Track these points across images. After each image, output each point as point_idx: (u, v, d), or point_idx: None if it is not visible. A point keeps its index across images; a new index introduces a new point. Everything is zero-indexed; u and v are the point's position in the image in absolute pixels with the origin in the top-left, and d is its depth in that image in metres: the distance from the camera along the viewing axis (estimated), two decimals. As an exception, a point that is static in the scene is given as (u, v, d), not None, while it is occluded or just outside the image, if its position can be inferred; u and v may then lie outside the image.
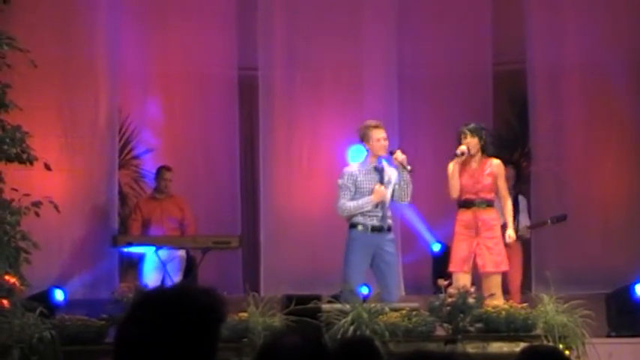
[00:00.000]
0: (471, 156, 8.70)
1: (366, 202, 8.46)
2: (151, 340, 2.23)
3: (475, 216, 8.63)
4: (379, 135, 8.51)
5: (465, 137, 8.70)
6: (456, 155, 8.65)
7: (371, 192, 8.47)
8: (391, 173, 8.58)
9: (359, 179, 8.52)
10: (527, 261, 10.59)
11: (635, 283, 10.29)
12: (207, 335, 2.25)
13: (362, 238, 8.44)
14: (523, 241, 10.40)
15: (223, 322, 2.30)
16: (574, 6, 11.05)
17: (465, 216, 8.67)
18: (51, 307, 8.64)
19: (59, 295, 9.54)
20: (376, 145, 8.50)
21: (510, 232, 8.78)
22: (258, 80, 11.21)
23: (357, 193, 8.51)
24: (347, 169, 8.63)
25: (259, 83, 11.20)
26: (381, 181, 8.52)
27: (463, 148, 8.67)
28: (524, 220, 10.49)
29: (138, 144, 11.12)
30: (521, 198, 10.62)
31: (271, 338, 2.58)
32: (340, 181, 8.57)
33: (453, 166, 8.67)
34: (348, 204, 8.49)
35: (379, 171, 8.55)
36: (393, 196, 8.60)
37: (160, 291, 2.39)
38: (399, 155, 8.53)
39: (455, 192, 8.66)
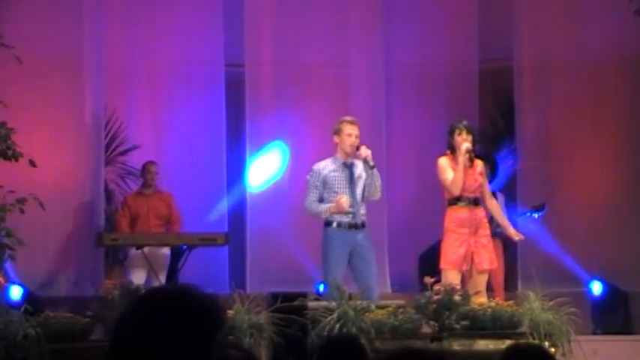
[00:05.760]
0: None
1: (324, 209, 8.39)
2: (148, 341, 2.18)
3: (472, 214, 8.53)
4: (350, 130, 8.46)
5: (461, 133, 8.51)
6: (468, 151, 8.40)
7: (340, 189, 8.41)
8: (362, 170, 8.55)
9: (328, 176, 8.46)
10: (508, 258, 10.59)
11: (590, 282, 10.35)
12: (205, 340, 2.21)
13: (338, 235, 8.38)
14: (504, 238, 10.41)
15: (222, 329, 2.25)
16: (560, 4, 11.06)
17: (460, 214, 8.49)
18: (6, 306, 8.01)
19: (16, 291, 9.12)
20: (346, 140, 8.45)
21: (512, 230, 8.78)
22: (244, 77, 11.19)
23: (327, 189, 8.47)
24: (315, 167, 8.53)
25: (246, 80, 11.18)
26: (351, 178, 8.48)
27: (468, 145, 8.43)
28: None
29: (124, 140, 11.08)
30: (499, 194, 10.57)
31: None
32: (308, 177, 8.53)
33: (460, 163, 8.40)
34: (313, 206, 8.45)
35: (349, 167, 8.52)
36: (364, 192, 8.54)
37: (161, 291, 2.34)
38: (364, 151, 8.45)
39: (459, 188, 8.47)
